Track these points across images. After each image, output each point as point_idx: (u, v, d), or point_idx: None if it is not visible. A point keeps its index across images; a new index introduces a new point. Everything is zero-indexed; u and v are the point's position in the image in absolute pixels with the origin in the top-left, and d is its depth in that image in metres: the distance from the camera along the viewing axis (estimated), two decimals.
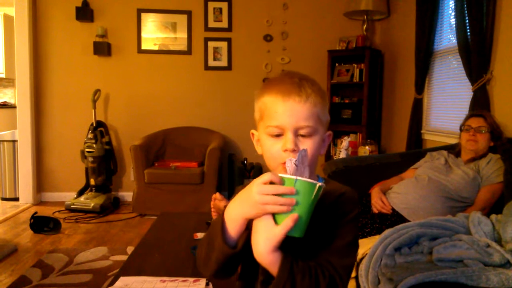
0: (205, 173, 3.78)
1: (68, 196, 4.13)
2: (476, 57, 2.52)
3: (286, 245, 0.74)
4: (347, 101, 4.23)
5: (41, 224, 3.33)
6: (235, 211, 0.77)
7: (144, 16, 4.29)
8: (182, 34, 4.34)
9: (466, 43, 2.63)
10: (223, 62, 4.39)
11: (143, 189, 3.80)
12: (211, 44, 4.37)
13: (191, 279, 1.46)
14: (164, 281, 1.44)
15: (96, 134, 3.99)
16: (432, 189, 2.08)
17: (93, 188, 4.01)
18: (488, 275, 1.28)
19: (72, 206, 3.90)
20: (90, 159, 3.96)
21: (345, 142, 3.98)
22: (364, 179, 2.54)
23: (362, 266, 1.54)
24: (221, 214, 0.80)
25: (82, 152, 4.00)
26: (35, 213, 3.37)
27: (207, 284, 1.41)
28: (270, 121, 0.83)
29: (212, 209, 1.81)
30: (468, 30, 2.59)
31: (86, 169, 4.07)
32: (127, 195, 4.32)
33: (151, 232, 2.07)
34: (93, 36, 4.19)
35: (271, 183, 0.73)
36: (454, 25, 2.80)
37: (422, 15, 3.27)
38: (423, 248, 1.54)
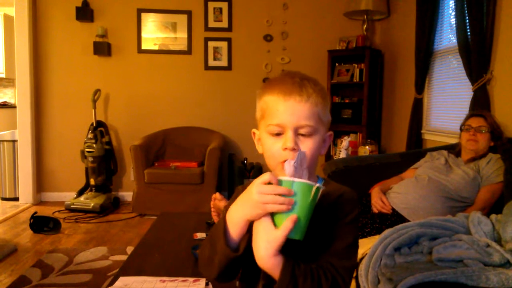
0: (205, 173, 3.78)
1: (68, 196, 4.13)
2: (476, 57, 2.52)
3: (287, 249, 0.74)
4: (347, 101, 4.23)
5: (41, 224, 3.33)
6: (236, 213, 0.77)
7: (144, 16, 4.29)
8: (182, 34, 4.34)
9: (466, 43, 2.62)
10: (223, 62, 4.39)
11: (143, 189, 3.80)
12: (211, 44, 4.37)
13: (191, 279, 1.46)
14: (164, 281, 1.44)
15: (96, 134, 4.00)
16: (432, 189, 2.08)
17: (93, 188, 4.01)
18: (488, 275, 1.28)
19: (72, 206, 3.90)
20: (90, 159, 3.96)
21: (345, 142, 3.98)
22: (364, 179, 2.54)
23: (362, 266, 1.54)
24: (222, 217, 0.80)
25: (82, 152, 4.00)
26: (35, 213, 3.37)
27: (206, 284, 1.41)
28: (271, 120, 0.83)
29: (212, 209, 1.80)
30: (468, 30, 2.59)
31: (86, 169, 4.07)
32: (127, 195, 4.32)
33: (151, 232, 2.07)
34: (93, 36, 4.19)
35: (270, 183, 0.73)
36: (454, 25, 2.80)
37: (422, 15, 3.27)
38: (423, 248, 1.54)
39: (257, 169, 3.99)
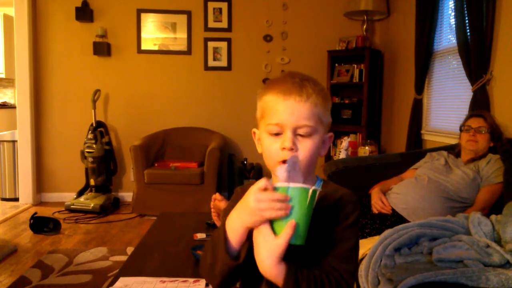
0: (205, 174, 3.78)
1: (68, 197, 4.13)
2: (476, 57, 2.52)
3: (289, 254, 0.74)
4: (347, 102, 4.23)
5: (41, 225, 3.33)
6: (235, 221, 0.77)
7: (144, 16, 4.29)
8: (182, 34, 4.34)
9: (466, 43, 2.63)
10: (223, 62, 4.39)
11: (143, 190, 3.80)
12: (211, 44, 4.37)
13: (191, 280, 1.46)
14: (164, 282, 1.44)
15: (96, 134, 3.99)
16: (432, 190, 2.08)
17: (93, 189, 4.01)
18: (488, 276, 1.28)
19: (72, 206, 3.90)
20: (90, 159, 3.96)
21: (345, 142, 3.98)
22: (364, 179, 2.54)
23: (362, 267, 1.54)
24: (222, 224, 0.80)
25: (82, 152, 4.00)
26: (35, 213, 3.37)
27: (207, 285, 1.41)
28: (270, 119, 0.83)
29: (212, 210, 1.80)
30: (468, 30, 2.60)
31: (86, 169, 4.07)
32: (127, 196, 4.32)
33: (151, 233, 2.07)
34: (93, 36, 4.19)
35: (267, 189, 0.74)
36: (454, 25, 2.80)
37: (421, 15, 3.27)
38: (423, 248, 1.54)
39: (257, 170, 3.99)
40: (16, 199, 4.28)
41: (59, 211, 3.90)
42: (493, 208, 1.98)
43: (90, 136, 3.98)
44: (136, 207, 3.84)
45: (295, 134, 0.82)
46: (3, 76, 5.73)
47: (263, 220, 0.73)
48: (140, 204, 3.82)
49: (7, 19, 5.53)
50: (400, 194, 2.14)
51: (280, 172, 0.76)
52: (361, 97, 4.08)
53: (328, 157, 4.15)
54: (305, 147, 0.82)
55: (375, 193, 2.22)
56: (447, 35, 3.21)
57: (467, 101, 2.67)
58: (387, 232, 1.61)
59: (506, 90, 2.43)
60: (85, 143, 3.97)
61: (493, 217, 1.66)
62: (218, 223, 1.79)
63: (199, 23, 4.34)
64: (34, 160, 4.24)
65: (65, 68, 4.26)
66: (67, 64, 4.26)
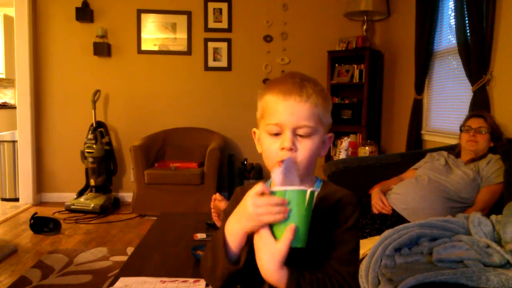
0: (205, 174, 3.78)
1: (68, 197, 4.13)
2: (476, 57, 2.52)
3: (290, 257, 0.74)
4: (347, 102, 4.23)
5: (41, 225, 3.33)
6: (234, 227, 0.77)
7: (144, 16, 4.30)
8: (182, 35, 4.34)
9: (466, 44, 2.63)
10: (223, 63, 4.39)
11: (143, 190, 3.80)
12: (211, 45, 4.37)
13: (191, 280, 1.46)
14: (164, 282, 1.44)
15: (96, 134, 4.00)
16: (432, 190, 2.09)
17: (93, 189, 4.01)
18: (488, 276, 1.28)
19: (72, 206, 3.90)
20: (90, 159, 3.96)
21: (345, 142, 3.98)
22: (364, 179, 2.54)
23: (362, 267, 1.54)
24: (221, 229, 0.80)
25: (82, 152, 4.00)
26: (35, 213, 3.37)
27: (207, 285, 1.41)
28: (270, 119, 0.83)
29: (212, 210, 1.80)
30: (468, 31, 2.60)
31: (86, 169, 4.07)
32: (127, 196, 4.32)
33: (151, 233, 2.07)
34: (93, 36, 4.19)
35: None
36: (454, 26, 2.80)
37: (421, 15, 3.27)
38: (423, 248, 1.54)
39: (257, 170, 3.99)
40: (16, 199, 4.28)
41: (59, 211, 3.90)
42: (493, 208, 1.98)
43: (90, 136, 3.98)
44: (136, 207, 3.84)
45: (295, 134, 0.82)
46: (3, 76, 5.73)
47: (262, 225, 0.73)
48: (140, 204, 3.82)
49: (8, 20, 5.53)
50: (400, 194, 2.14)
51: (275, 175, 0.75)
52: (361, 98, 4.08)
53: (328, 157, 4.15)
54: (305, 148, 0.82)
55: (375, 193, 2.22)
56: (447, 36, 3.21)
57: (467, 101, 2.67)
58: (387, 232, 1.61)
59: (506, 90, 2.43)
60: (85, 143, 3.97)
61: (493, 217, 1.66)
62: (218, 223, 1.79)
63: (199, 23, 4.34)
64: (34, 160, 4.25)
65: (65, 68, 4.27)
66: (67, 64, 4.26)
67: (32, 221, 3.31)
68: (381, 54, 4.27)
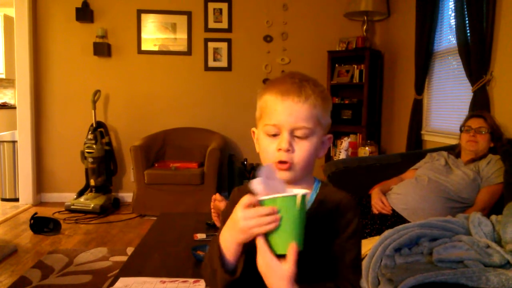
0: (205, 174, 3.78)
1: (68, 197, 4.13)
2: (476, 57, 2.52)
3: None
4: (347, 102, 4.23)
5: (41, 225, 3.33)
6: (227, 239, 0.77)
7: (144, 16, 4.30)
8: (182, 35, 4.34)
9: (466, 44, 2.63)
10: (223, 63, 4.39)
11: (143, 190, 3.80)
12: (211, 45, 4.37)
13: (191, 280, 1.46)
14: (164, 282, 1.44)
15: (96, 134, 4.00)
16: (432, 190, 2.08)
17: (93, 189, 4.01)
18: (488, 276, 1.28)
19: (72, 206, 3.90)
20: (90, 159, 3.96)
21: (345, 142, 3.98)
22: (364, 179, 2.54)
23: (362, 267, 1.54)
24: (216, 239, 0.80)
25: (82, 152, 4.00)
26: (35, 213, 3.37)
27: (207, 286, 1.41)
28: (268, 120, 0.83)
29: (212, 210, 1.80)
30: (468, 31, 2.60)
31: (86, 169, 4.07)
32: (127, 196, 4.32)
33: (151, 233, 2.07)
34: (93, 36, 4.19)
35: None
36: (454, 26, 2.80)
37: (422, 15, 3.27)
38: (423, 249, 1.54)
39: (258, 170, 3.98)
40: (16, 200, 4.28)
41: (59, 212, 3.90)
42: (493, 208, 1.98)
43: (90, 136, 3.98)
44: (136, 208, 3.84)
45: (292, 135, 0.82)
46: (3, 76, 5.73)
47: (254, 236, 0.73)
48: (140, 204, 3.82)
49: (8, 20, 5.53)
50: (400, 195, 2.14)
51: (255, 186, 0.73)
52: (361, 98, 4.08)
53: (328, 158, 4.15)
54: (302, 149, 0.82)
55: (375, 194, 2.22)
56: (447, 36, 3.21)
57: (467, 101, 2.67)
58: (387, 233, 1.61)
59: (506, 90, 2.43)
60: (85, 143, 3.97)
61: (493, 217, 1.66)
62: (218, 224, 1.79)
63: (199, 23, 4.34)
64: (34, 161, 4.24)
65: (65, 68, 4.27)
66: (67, 64, 4.26)
67: (32, 221, 3.31)
68: (381, 54, 4.27)
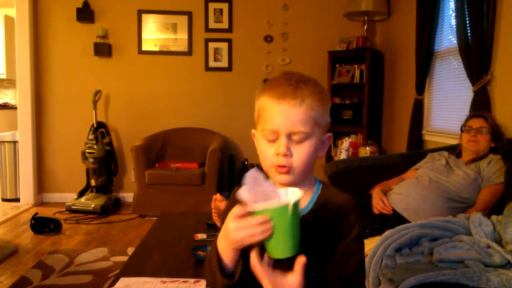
0: (206, 174, 3.78)
1: (69, 197, 4.13)
2: (477, 57, 2.52)
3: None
4: (347, 102, 4.23)
5: (42, 225, 3.33)
6: (223, 246, 0.78)
7: (144, 17, 4.30)
8: (183, 35, 4.34)
9: (467, 44, 2.62)
10: (224, 63, 4.39)
11: (144, 190, 3.80)
12: (212, 45, 4.37)
13: (192, 280, 1.46)
14: (164, 282, 1.44)
15: (96, 135, 4.00)
16: (432, 190, 2.08)
17: (94, 189, 4.01)
18: (489, 276, 1.28)
19: (72, 207, 3.90)
20: (91, 160, 3.96)
21: (345, 143, 3.98)
22: (365, 180, 2.54)
23: None
24: (214, 244, 0.81)
25: (83, 153, 4.00)
26: (36, 214, 3.37)
27: (207, 286, 1.41)
28: (266, 125, 0.83)
29: (213, 210, 1.80)
30: (469, 31, 2.59)
31: (87, 170, 4.07)
32: (128, 196, 4.32)
33: (152, 233, 2.07)
34: (94, 37, 4.20)
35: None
36: (455, 26, 2.80)
37: (422, 15, 3.27)
38: (424, 249, 1.54)
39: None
40: (17, 200, 4.28)
41: (60, 212, 3.90)
42: (494, 208, 1.98)
43: (91, 136, 3.98)
44: (136, 208, 3.84)
45: (290, 139, 0.81)
46: (4, 77, 5.74)
47: (248, 245, 0.74)
48: (141, 204, 3.82)
49: (8, 20, 5.54)
50: (401, 195, 2.14)
51: (243, 195, 0.73)
52: (361, 98, 4.08)
53: (329, 158, 4.15)
54: (300, 153, 0.81)
55: (376, 194, 2.22)
56: (447, 36, 3.21)
57: (468, 101, 2.67)
58: (387, 233, 1.61)
59: (507, 90, 2.42)
60: (86, 143, 3.98)
61: (494, 217, 1.66)
62: (218, 224, 1.79)
63: (200, 23, 4.35)
64: (35, 161, 4.25)
65: (66, 69, 4.27)
66: (68, 65, 4.27)
67: (32, 221, 3.31)
68: (382, 54, 4.27)
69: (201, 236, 1.93)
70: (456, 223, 1.66)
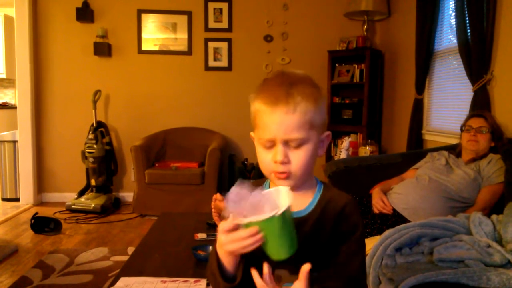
0: (206, 174, 3.78)
1: (69, 197, 4.13)
2: (477, 57, 2.52)
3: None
4: (347, 102, 4.23)
5: (42, 225, 3.33)
6: (223, 253, 0.79)
7: (144, 16, 4.30)
8: (183, 35, 4.34)
9: (467, 43, 2.63)
10: (224, 63, 4.39)
11: (144, 190, 3.80)
12: (211, 45, 4.37)
13: (192, 280, 1.46)
14: (165, 282, 1.44)
15: (96, 134, 4.00)
16: (432, 190, 2.08)
17: (94, 189, 4.01)
18: (489, 276, 1.28)
19: (72, 206, 3.90)
20: (91, 159, 3.96)
21: (345, 142, 3.98)
22: (365, 179, 2.54)
23: None
24: (213, 249, 0.81)
25: (83, 152, 4.00)
26: (36, 213, 3.37)
27: (207, 285, 1.41)
28: (262, 133, 0.83)
29: (213, 210, 1.80)
30: (469, 30, 2.59)
31: (87, 169, 4.07)
32: (128, 196, 4.33)
33: (152, 233, 2.07)
34: (94, 36, 4.19)
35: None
36: (455, 25, 2.80)
37: (422, 15, 3.27)
38: (424, 248, 1.54)
39: (258, 170, 3.99)
40: (17, 199, 4.28)
41: (60, 211, 3.90)
42: (494, 208, 1.98)
43: (90, 136, 3.98)
44: (136, 207, 3.84)
45: (287, 145, 0.81)
46: (3, 76, 5.74)
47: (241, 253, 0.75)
48: (141, 204, 3.82)
49: (8, 20, 5.54)
50: (401, 194, 2.14)
51: (230, 210, 0.73)
52: (361, 97, 4.08)
53: (329, 157, 4.15)
54: (298, 158, 0.81)
55: (376, 193, 2.22)
56: (447, 35, 3.21)
57: (467, 101, 2.67)
58: (388, 232, 1.61)
59: (506, 90, 2.42)
60: (86, 143, 3.98)
61: (494, 217, 1.66)
62: (218, 223, 1.79)
63: (200, 23, 4.34)
64: (35, 160, 4.25)
65: (66, 68, 4.27)
66: (68, 64, 4.27)
67: (33, 221, 3.31)
68: (382, 54, 4.27)
69: (201, 235, 1.93)
70: (456, 222, 1.66)
